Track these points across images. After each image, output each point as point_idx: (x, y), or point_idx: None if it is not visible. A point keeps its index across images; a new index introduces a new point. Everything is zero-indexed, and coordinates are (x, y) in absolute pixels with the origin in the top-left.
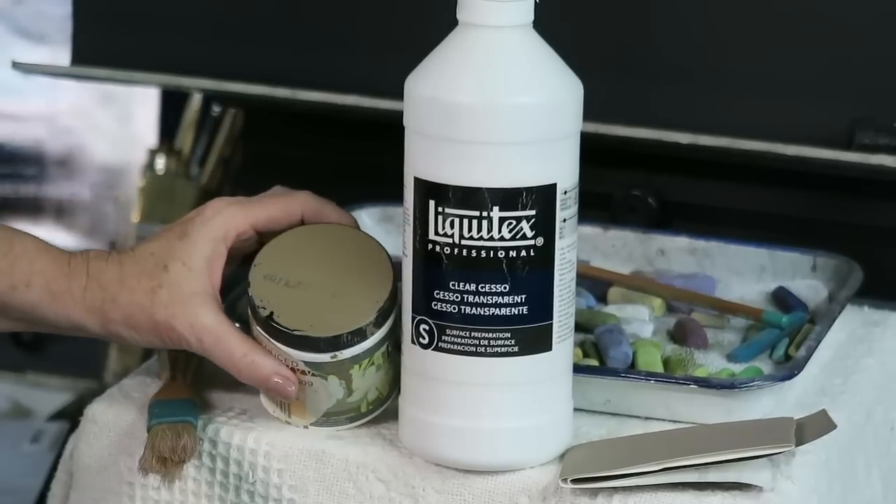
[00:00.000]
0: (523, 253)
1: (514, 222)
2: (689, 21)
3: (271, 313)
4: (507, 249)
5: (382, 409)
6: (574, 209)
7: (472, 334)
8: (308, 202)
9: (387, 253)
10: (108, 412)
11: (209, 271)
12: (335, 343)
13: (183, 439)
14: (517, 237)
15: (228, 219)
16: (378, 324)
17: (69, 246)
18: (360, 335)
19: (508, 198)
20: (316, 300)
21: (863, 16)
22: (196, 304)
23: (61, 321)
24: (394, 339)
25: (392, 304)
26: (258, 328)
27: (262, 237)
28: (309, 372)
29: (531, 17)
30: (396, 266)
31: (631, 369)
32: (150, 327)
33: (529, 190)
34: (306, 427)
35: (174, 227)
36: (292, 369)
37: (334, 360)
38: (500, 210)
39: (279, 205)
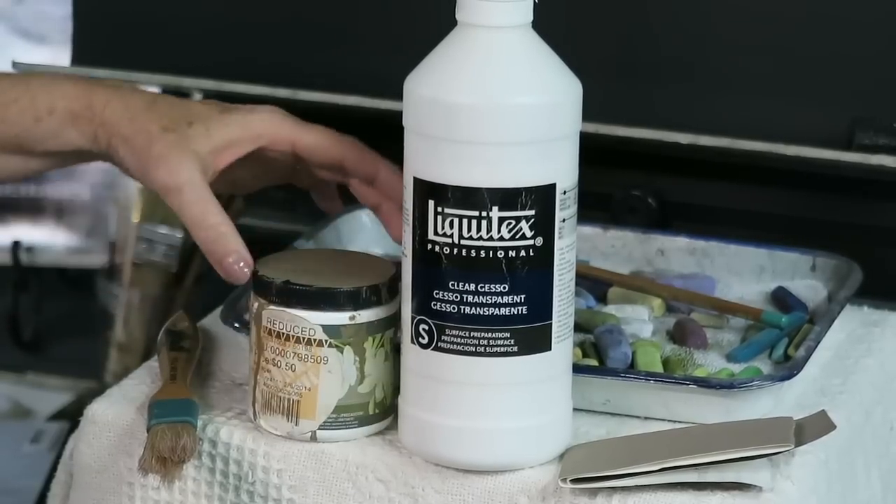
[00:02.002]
0: (522, 253)
1: (514, 222)
2: (689, 21)
3: (287, 280)
4: (506, 249)
5: (385, 424)
6: (573, 209)
7: (472, 334)
8: (354, 148)
9: (391, 262)
10: (108, 412)
11: (224, 151)
12: (355, 298)
13: (183, 439)
14: (516, 237)
15: (272, 120)
16: (391, 292)
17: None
18: (376, 295)
19: (508, 198)
20: (326, 274)
21: (862, 16)
22: (192, 162)
23: (78, 140)
24: (393, 338)
25: (395, 290)
26: (273, 299)
27: (297, 163)
28: (326, 342)
29: (530, 17)
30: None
31: (630, 369)
32: (143, 152)
33: (529, 190)
34: (314, 438)
35: (224, 104)
36: (308, 342)
37: (353, 322)
38: (500, 210)
39: (327, 136)
